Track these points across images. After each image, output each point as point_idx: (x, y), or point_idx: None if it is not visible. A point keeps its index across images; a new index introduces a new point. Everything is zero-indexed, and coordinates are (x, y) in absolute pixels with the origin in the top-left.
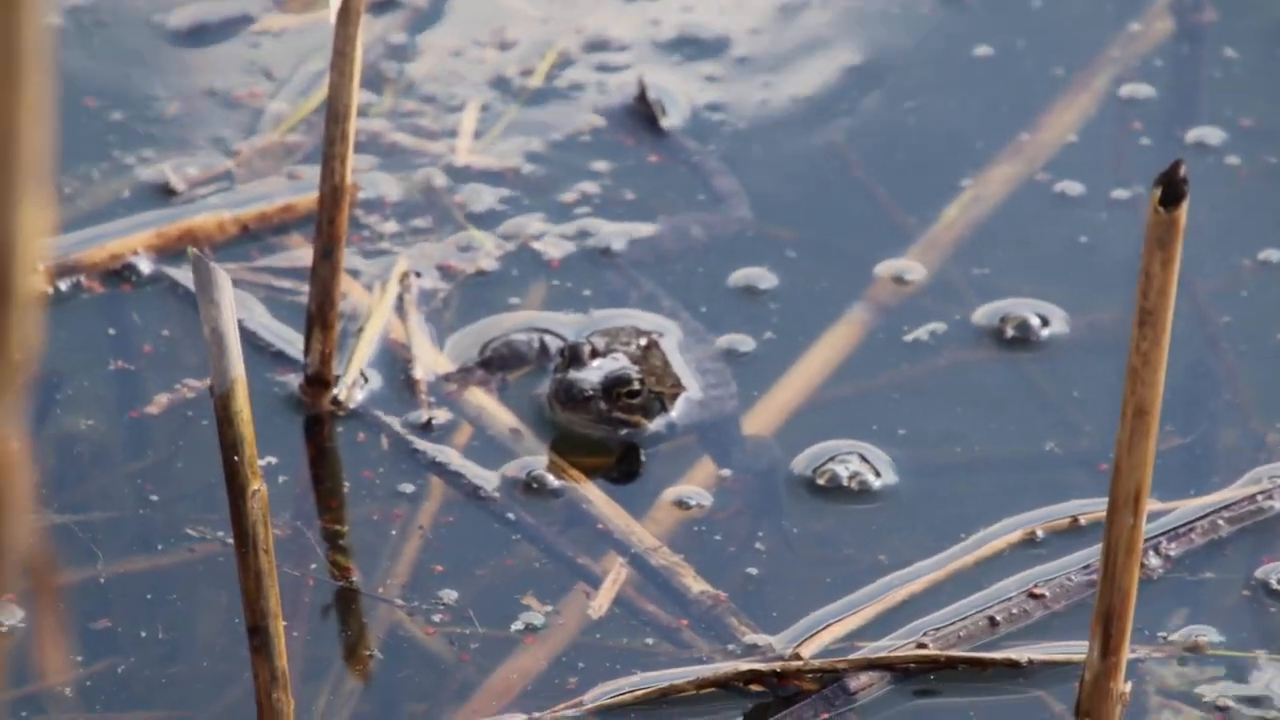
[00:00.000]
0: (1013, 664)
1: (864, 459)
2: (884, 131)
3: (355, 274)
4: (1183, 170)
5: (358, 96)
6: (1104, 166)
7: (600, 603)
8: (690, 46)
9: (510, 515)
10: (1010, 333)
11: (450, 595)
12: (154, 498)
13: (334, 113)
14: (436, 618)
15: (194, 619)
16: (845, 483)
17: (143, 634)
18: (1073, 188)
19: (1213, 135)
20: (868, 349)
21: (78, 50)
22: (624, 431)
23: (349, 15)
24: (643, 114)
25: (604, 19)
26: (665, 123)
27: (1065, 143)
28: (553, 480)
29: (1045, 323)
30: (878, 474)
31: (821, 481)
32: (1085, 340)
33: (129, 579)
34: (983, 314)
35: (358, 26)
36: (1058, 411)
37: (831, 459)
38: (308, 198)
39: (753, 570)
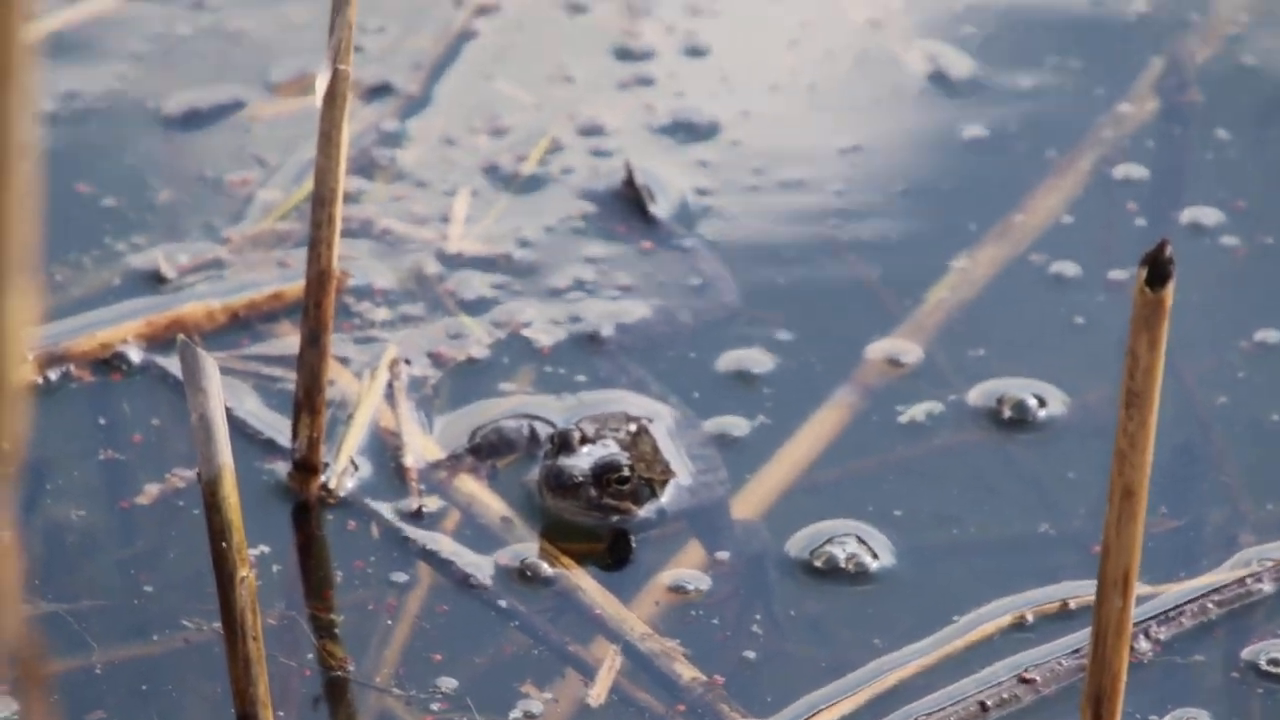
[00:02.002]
0: None
1: (861, 541)
2: (875, 214)
3: (345, 361)
4: (1168, 250)
5: (345, 181)
6: (1098, 248)
7: (598, 690)
8: (683, 131)
9: (503, 603)
10: (1007, 414)
11: (449, 684)
12: (146, 587)
13: (320, 197)
14: (435, 706)
15: (187, 709)
16: (842, 564)
17: None
18: (1068, 269)
19: (1208, 216)
20: (862, 431)
21: (70, 136)
22: (614, 518)
23: (334, 99)
24: (631, 199)
25: (597, 105)
26: (653, 208)
27: (1059, 224)
28: (545, 568)
29: (1042, 404)
30: (874, 556)
31: (818, 564)
32: (1082, 421)
33: (122, 668)
34: (979, 395)
35: (343, 110)
36: (1053, 493)
37: (828, 541)
38: (297, 285)
39: (748, 654)
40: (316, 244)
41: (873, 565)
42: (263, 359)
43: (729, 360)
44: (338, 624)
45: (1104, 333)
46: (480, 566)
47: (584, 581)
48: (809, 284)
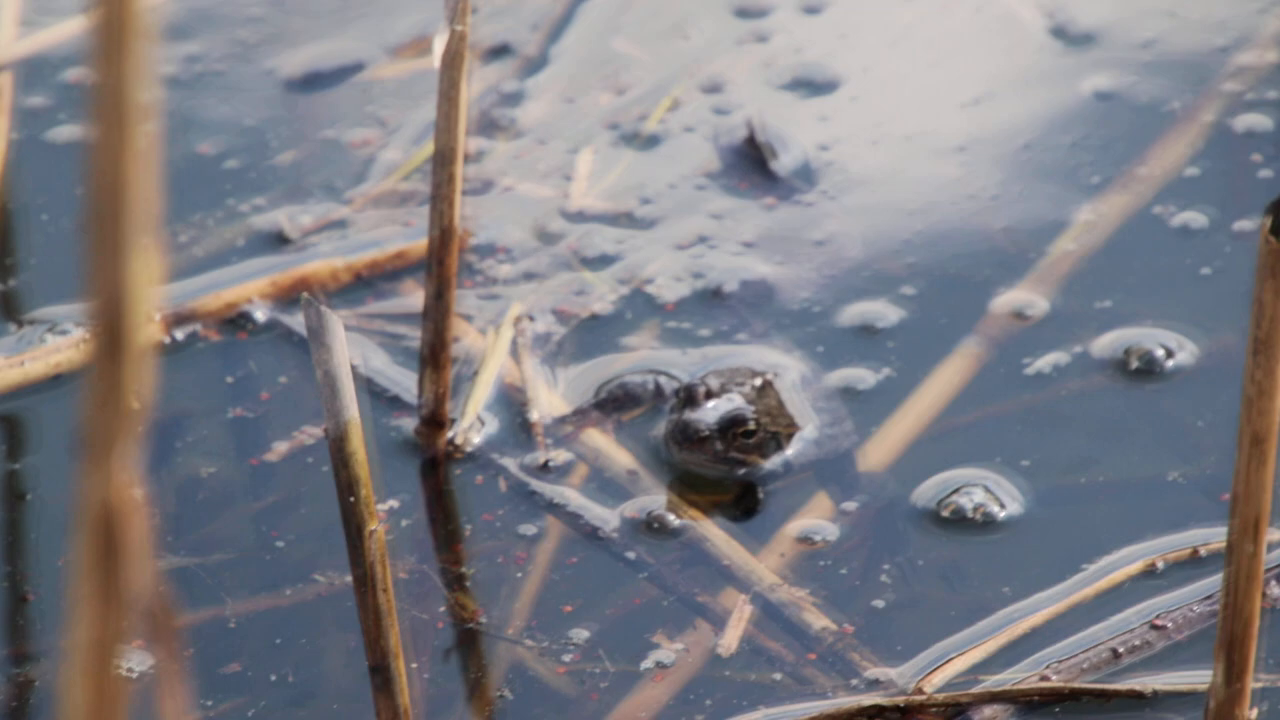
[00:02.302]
0: (1137, 694)
1: (988, 490)
2: (998, 168)
3: (470, 318)
4: None
5: (467, 141)
6: (1223, 198)
7: (729, 640)
8: (803, 87)
9: (631, 554)
10: (1135, 364)
11: (580, 635)
12: (278, 542)
13: (441, 156)
14: (566, 657)
15: (321, 661)
16: (970, 514)
17: (271, 677)
18: (1193, 220)
19: None
20: (988, 382)
21: (192, 99)
22: (740, 470)
23: (453, 59)
24: (753, 156)
25: (718, 63)
26: (775, 164)
27: (1183, 176)
28: (672, 519)
29: (1170, 354)
30: (1002, 505)
31: (946, 514)
32: (1210, 371)
33: (255, 621)
34: (1106, 345)
35: (462, 70)
36: (1182, 441)
37: (955, 491)
38: (420, 244)
39: (877, 603)
40: (439, 202)
41: (1000, 514)
42: (387, 317)
43: (853, 314)
44: (468, 576)
45: (1231, 283)
46: (608, 519)
47: (712, 532)
48: (932, 237)
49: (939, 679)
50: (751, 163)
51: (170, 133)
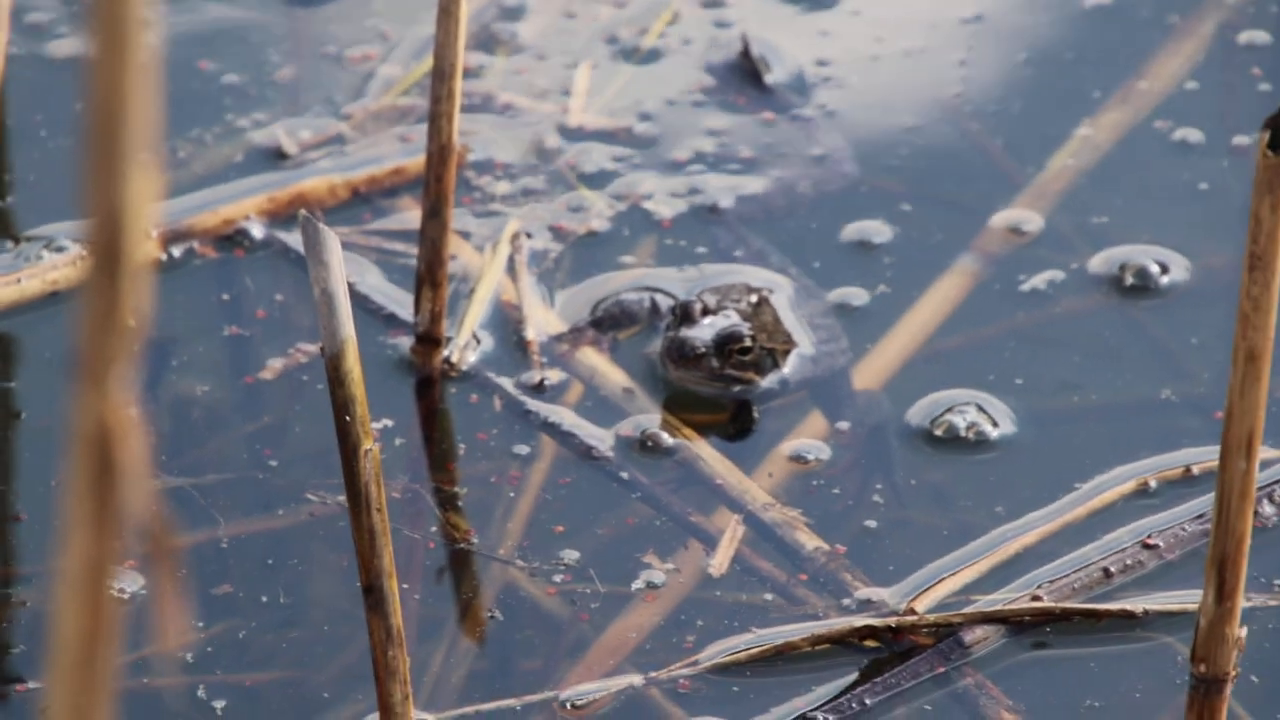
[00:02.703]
0: (1128, 614)
1: (981, 409)
2: (997, 83)
3: (466, 235)
4: None
5: (466, 56)
6: (1221, 113)
7: (720, 560)
8: (804, 2)
9: (625, 474)
10: (1129, 280)
11: (571, 555)
12: (271, 462)
13: (440, 71)
14: (557, 578)
15: (314, 582)
16: (962, 433)
17: (263, 598)
18: (1191, 135)
19: None
20: (984, 299)
21: (193, 14)
22: (736, 388)
23: None
24: (749, 71)
25: None
26: (769, 79)
27: (1182, 90)
28: (666, 438)
29: (1165, 270)
30: (995, 424)
31: (939, 433)
32: (1205, 287)
33: (248, 542)
34: (1101, 262)
35: None
36: (1176, 359)
37: (949, 410)
38: (418, 160)
39: (869, 523)
40: (437, 118)
41: (993, 433)
42: (384, 234)
43: (850, 230)
44: (461, 496)
45: (1228, 198)
46: (602, 438)
47: (706, 452)
48: (930, 153)
49: (931, 599)
50: (747, 77)
51: (170, 48)
